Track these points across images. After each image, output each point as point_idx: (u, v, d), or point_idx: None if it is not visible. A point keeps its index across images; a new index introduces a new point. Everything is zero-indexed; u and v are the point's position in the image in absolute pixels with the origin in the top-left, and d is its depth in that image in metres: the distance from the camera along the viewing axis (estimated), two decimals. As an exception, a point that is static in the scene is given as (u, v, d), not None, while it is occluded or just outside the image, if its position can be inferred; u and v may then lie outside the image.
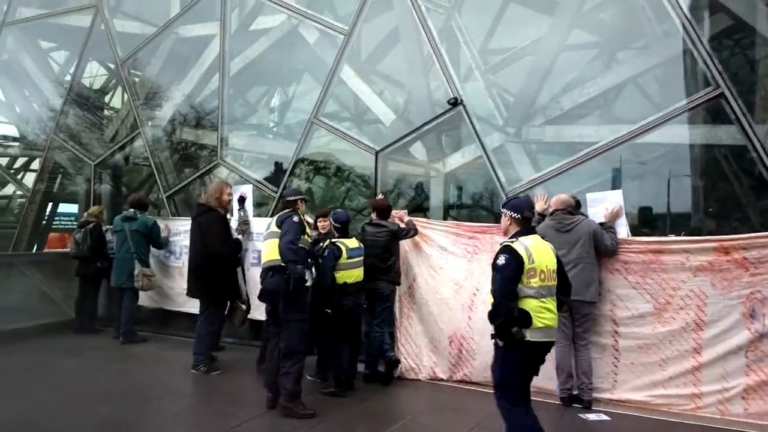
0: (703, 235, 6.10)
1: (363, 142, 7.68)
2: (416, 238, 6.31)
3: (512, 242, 3.71)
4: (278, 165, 9.13)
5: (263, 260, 5.35)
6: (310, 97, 9.08)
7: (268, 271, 5.17)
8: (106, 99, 11.52)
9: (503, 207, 3.99)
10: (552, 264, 3.79)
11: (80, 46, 10.12)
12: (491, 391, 5.55)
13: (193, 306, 7.17)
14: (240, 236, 7.01)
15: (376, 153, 7.43)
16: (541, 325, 3.65)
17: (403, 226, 6.26)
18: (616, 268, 5.59)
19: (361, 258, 5.79)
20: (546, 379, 5.70)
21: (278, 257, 5.04)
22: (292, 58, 9.82)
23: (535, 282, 3.65)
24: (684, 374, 5.32)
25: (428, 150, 8.31)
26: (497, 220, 7.03)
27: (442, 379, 6.21)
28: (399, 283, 6.27)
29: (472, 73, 8.35)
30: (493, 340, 3.74)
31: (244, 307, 6.62)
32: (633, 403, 5.45)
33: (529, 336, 3.61)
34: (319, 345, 5.91)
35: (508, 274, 3.60)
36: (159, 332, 8.29)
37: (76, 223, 10.33)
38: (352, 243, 5.77)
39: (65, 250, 8.87)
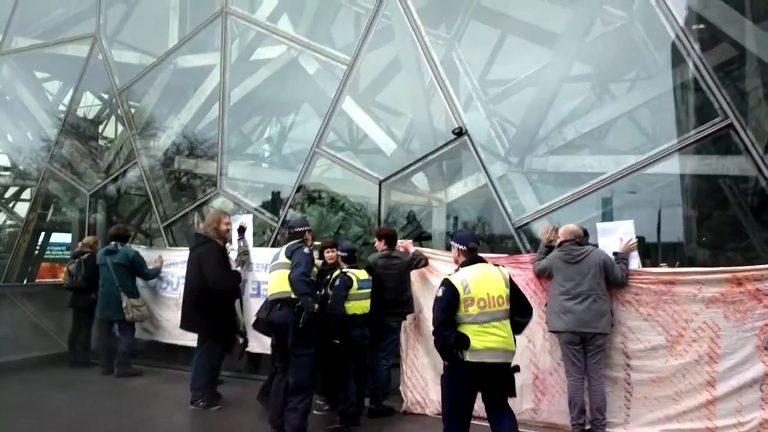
0: (709, 266, 6.06)
1: (367, 171, 7.62)
2: (422, 269, 6.21)
3: (450, 276, 4.11)
4: (277, 194, 9.05)
5: (270, 291, 5.27)
6: (309, 127, 9.11)
7: (276, 303, 5.09)
8: (102, 129, 11.41)
9: (451, 240, 4.42)
10: (497, 291, 4.08)
11: (77, 76, 10.05)
12: None
13: (190, 339, 6.98)
14: (239, 267, 6.87)
15: (380, 182, 7.37)
16: (480, 346, 3.95)
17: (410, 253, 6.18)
18: (627, 299, 5.50)
19: (369, 290, 5.70)
20: (558, 414, 5.60)
21: (287, 289, 4.97)
22: (292, 88, 9.84)
23: (472, 310, 3.98)
24: (698, 408, 5.19)
25: (430, 180, 8.29)
26: (502, 250, 7.07)
27: (449, 415, 6.03)
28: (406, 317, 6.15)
29: (472, 103, 8.40)
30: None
31: (241, 340, 6.46)
32: (647, 438, 5.30)
33: (469, 357, 3.95)
34: (326, 377, 5.74)
35: (442, 306, 3.99)
36: (155, 366, 8.04)
37: (68, 253, 10.15)
38: (362, 274, 5.69)
39: (58, 280, 8.67)
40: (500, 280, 4.12)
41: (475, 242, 4.32)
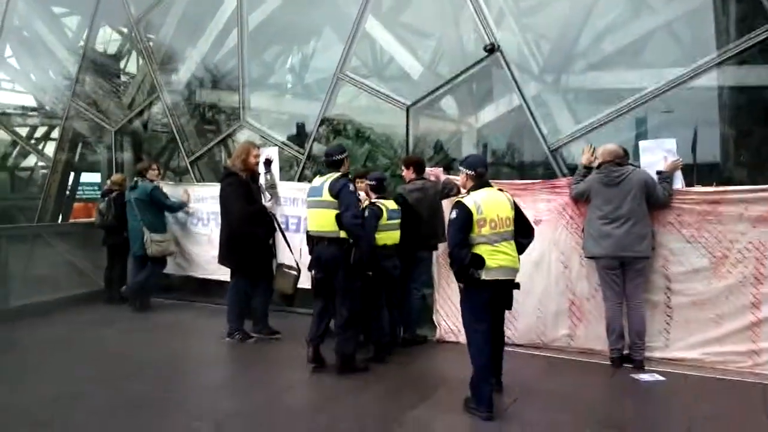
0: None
1: (393, 97, 7.31)
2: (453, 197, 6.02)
3: (462, 197, 4.27)
4: (301, 126, 8.82)
5: (313, 228, 5.19)
6: (331, 54, 8.66)
7: (322, 240, 5.09)
8: (122, 64, 11.17)
9: (460, 165, 4.50)
10: (505, 212, 4.25)
11: (92, 9, 9.74)
12: (535, 353, 5.58)
13: (224, 273, 7.02)
14: (269, 202, 6.74)
15: (407, 108, 7.09)
16: (494, 265, 4.14)
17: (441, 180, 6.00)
18: (669, 221, 5.27)
19: (399, 221, 5.58)
20: (595, 339, 5.52)
21: (334, 228, 4.98)
22: (313, 12, 9.38)
23: (485, 230, 4.14)
24: (741, 330, 5.08)
25: (459, 104, 7.95)
26: (537, 176, 6.81)
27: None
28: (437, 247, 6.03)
29: (504, 19, 7.84)
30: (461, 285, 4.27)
31: (294, 272, 6.24)
32: (686, 361, 5.22)
33: (485, 275, 4.12)
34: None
35: (458, 226, 4.13)
36: (191, 300, 8.18)
37: (99, 192, 10.20)
38: (391, 204, 5.56)
39: (91, 219, 8.72)
40: (507, 203, 4.31)
41: (483, 167, 4.46)
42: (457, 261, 4.16)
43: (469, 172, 4.37)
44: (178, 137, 8.80)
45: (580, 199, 5.50)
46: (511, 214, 4.30)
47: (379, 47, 9.24)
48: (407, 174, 6.05)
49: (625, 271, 5.21)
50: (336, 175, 5.07)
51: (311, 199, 5.22)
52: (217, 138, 8.77)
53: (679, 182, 5.29)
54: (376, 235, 5.35)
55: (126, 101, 9.89)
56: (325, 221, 5.03)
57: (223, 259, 6.44)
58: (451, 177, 6.08)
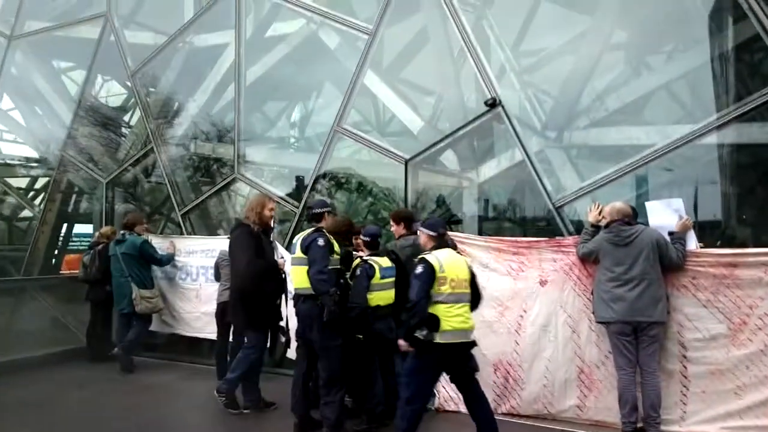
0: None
1: (392, 150, 7.12)
2: None
3: (426, 255, 4.39)
4: (299, 179, 8.62)
5: (293, 286, 5.08)
6: (331, 110, 8.57)
7: (299, 298, 4.99)
8: (119, 115, 11.09)
9: (421, 226, 4.69)
10: (463, 274, 4.42)
11: (89, 59, 9.72)
12: (541, 425, 5.14)
13: (211, 331, 6.63)
14: (281, 258, 6.11)
15: (406, 162, 6.89)
16: (449, 328, 4.24)
17: None
18: (684, 284, 4.95)
19: (393, 279, 5.26)
20: (606, 411, 5.11)
21: (308, 285, 4.86)
22: (312, 66, 9.37)
23: (444, 289, 4.28)
24: (764, 403, 4.67)
25: (460, 159, 7.75)
26: (540, 233, 6.54)
27: (486, 411, 5.57)
28: None
29: (505, 75, 7.76)
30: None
31: (283, 339, 5.79)
32: (706, 436, 4.78)
33: (438, 338, 4.20)
34: (351, 374, 5.32)
35: (423, 279, 4.25)
36: (176, 360, 7.76)
37: (91, 244, 9.94)
38: (385, 262, 5.26)
39: (76, 272, 8.40)
40: (465, 266, 4.49)
41: (444, 229, 4.63)
42: (420, 314, 4.22)
43: (431, 233, 4.53)
44: (170, 189, 8.58)
45: (588, 259, 5.20)
46: (468, 276, 4.45)
47: (381, 104, 9.20)
48: (397, 230, 5.77)
49: (638, 337, 4.85)
50: (310, 230, 4.99)
51: (292, 256, 5.11)
52: (210, 190, 8.53)
53: (693, 243, 4.99)
54: (369, 296, 5.05)
55: (121, 151, 9.75)
56: (299, 278, 4.95)
57: (230, 316, 6.00)
58: (449, 233, 5.78)
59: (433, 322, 4.20)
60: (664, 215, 5.11)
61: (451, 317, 4.25)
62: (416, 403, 4.29)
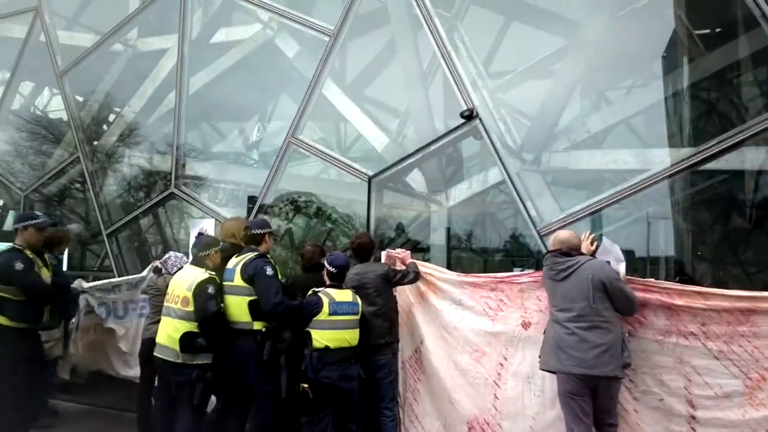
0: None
1: (353, 166, 6.30)
2: (422, 287, 4.87)
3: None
4: (249, 197, 7.72)
5: (228, 318, 4.35)
6: (286, 123, 7.80)
7: (237, 334, 4.31)
8: (46, 121, 9.98)
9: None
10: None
11: (15, 58, 8.67)
12: None
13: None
14: None
15: (369, 179, 6.08)
16: None
17: (399, 267, 4.86)
18: (692, 331, 4.20)
19: (354, 317, 4.41)
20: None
21: (247, 318, 4.27)
22: (267, 74, 8.56)
23: None
24: (785, 475, 3.96)
25: (427, 180, 6.99)
26: (520, 267, 5.80)
27: (457, 475, 4.69)
28: (396, 348, 4.81)
29: (476, 91, 7.10)
30: None
31: None
32: None
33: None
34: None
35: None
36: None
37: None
38: (343, 295, 4.40)
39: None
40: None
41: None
42: None
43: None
44: (96, 203, 7.51)
45: None
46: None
47: (344, 124, 8.48)
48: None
49: (594, 397, 3.99)
50: (251, 255, 4.35)
51: (225, 284, 4.40)
52: (141, 207, 7.50)
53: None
54: (314, 334, 4.25)
55: (44, 161, 8.64)
56: (237, 311, 4.31)
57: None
58: (418, 262, 4.95)
59: None
60: (609, 259, 4.27)
61: None
62: None
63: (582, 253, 4.18)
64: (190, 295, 4.22)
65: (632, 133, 7.15)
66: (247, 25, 8.34)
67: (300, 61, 7.83)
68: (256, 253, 4.36)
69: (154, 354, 4.37)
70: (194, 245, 4.62)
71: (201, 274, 4.29)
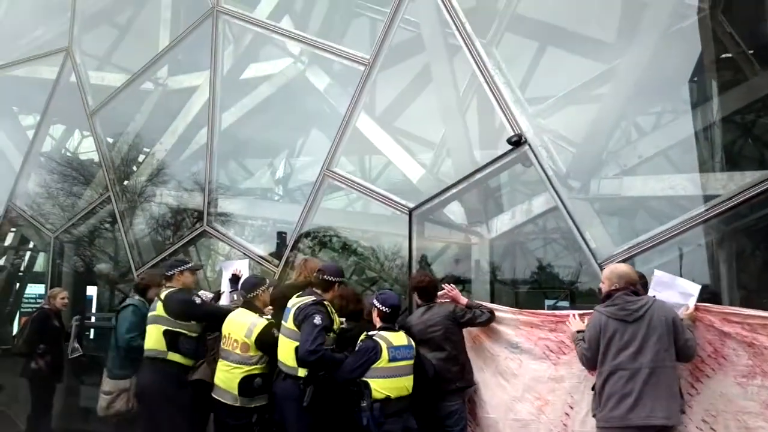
0: None
1: (393, 198, 6.01)
2: (473, 329, 4.50)
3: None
4: (281, 234, 7.48)
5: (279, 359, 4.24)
6: (318, 158, 7.61)
7: (280, 373, 4.22)
8: (78, 161, 9.95)
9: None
10: None
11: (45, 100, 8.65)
12: None
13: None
14: None
15: (410, 211, 5.76)
16: None
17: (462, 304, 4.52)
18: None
19: (411, 362, 4.08)
20: None
21: (294, 363, 4.10)
22: (297, 109, 8.40)
23: None
24: None
25: (468, 211, 6.64)
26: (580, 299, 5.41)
27: None
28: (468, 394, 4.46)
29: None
30: None
31: None
32: None
33: None
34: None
35: None
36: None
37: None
38: (399, 339, 4.08)
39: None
40: None
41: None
42: None
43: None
44: (126, 244, 7.33)
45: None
46: None
47: (369, 157, 8.40)
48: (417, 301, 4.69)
49: None
50: (309, 300, 4.17)
51: (283, 324, 4.28)
52: (173, 246, 7.29)
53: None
54: (373, 384, 3.88)
55: (80, 204, 8.53)
56: (284, 353, 4.19)
57: None
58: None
59: None
60: (670, 294, 3.94)
61: None
62: None
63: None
64: (250, 342, 4.28)
65: (686, 158, 6.80)
66: (277, 60, 8.22)
67: (331, 93, 7.70)
68: (314, 299, 4.17)
69: (213, 395, 4.40)
70: (242, 287, 4.75)
71: (258, 320, 4.35)
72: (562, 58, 8.44)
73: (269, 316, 4.50)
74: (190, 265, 5.00)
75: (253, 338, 4.28)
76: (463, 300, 4.57)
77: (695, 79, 6.62)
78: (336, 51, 6.67)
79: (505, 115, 5.45)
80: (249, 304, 4.51)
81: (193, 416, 4.64)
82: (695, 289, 3.94)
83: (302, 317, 4.07)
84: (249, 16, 7.43)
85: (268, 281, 4.75)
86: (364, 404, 3.85)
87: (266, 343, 4.28)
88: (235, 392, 4.26)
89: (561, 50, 8.51)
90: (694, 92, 6.76)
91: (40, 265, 10.49)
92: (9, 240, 9.28)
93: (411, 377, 4.04)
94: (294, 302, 4.23)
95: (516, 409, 4.27)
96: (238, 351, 4.32)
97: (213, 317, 4.74)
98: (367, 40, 8.23)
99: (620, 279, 3.81)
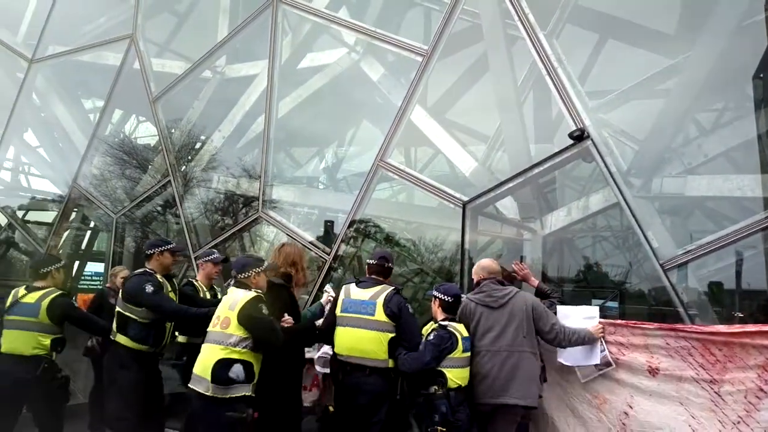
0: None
1: (447, 191, 5.97)
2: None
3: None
4: (325, 221, 7.59)
5: (350, 349, 4.07)
6: (368, 147, 7.64)
7: (364, 369, 4.02)
8: (139, 146, 10.24)
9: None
10: None
11: (110, 84, 8.91)
12: None
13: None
14: None
15: (464, 205, 5.72)
16: None
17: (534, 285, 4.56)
18: None
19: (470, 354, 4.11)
20: None
21: (385, 356, 3.98)
22: (350, 99, 8.43)
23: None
24: None
25: (521, 206, 6.56)
26: (636, 303, 5.26)
27: None
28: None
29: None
30: None
31: None
32: None
33: None
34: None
35: None
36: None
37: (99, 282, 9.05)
38: (464, 329, 4.12)
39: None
40: None
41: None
42: None
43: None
44: (185, 228, 7.52)
45: None
46: None
47: (416, 149, 8.29)
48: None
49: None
50: (389, 289, 4.10)
51: (364, 317, 4.05)
52: (229, 231, 7.44)
53: (596, 357, 4.08)
54: (447, 374, 3.94)
55: (140, 188, 8.80)
56: (373, 347, 4.01)
57: None
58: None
59: None
60: (575, 321, 4.21)
61: None
62: None
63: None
64: (232, 315, 3.74)
65: (749, 158, 6.52)
66: (333, 49, 8.26)
67: (384, 84, 7.71)
68: (394, 288, 4.12)
69: (189, 386, 3.82)
70: (233, 266, 4.11)
71: (247, 293, 3.83)
72: (623, 50, 8.24)
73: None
74: (172, 245, 4.71)
75: (237, 309, 3.72)
76: (535, 281, 4.57)
77: (761, 75, 6.34)
78: (394, 42, 6.63)
79: (568, 109, 5.34)
80: (241, 284, 3.95)
81: (129, 399, 4.32)
82: (595, 311, 4.28)
83: (398, 306, 3.99)
84: (309, 6, 7.46)
85: (265, 263, 4.17)
86: (440, 392, 3.87)
87: (252, 318, 3.72)
88: (209, 378, 3.64)
89: (621, 43, 8.29)
90: (759, 89, 6.49)
91: (97, 245, 10.88)
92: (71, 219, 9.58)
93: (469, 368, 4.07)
94: (364, 291, 4.10)
95: (574, 407, 4.20)
96: (218, 328, 3.79)
97: (159, 309, 4.36)
98: (422, 31, 8.21)
99: (484, 270, 4.33)
